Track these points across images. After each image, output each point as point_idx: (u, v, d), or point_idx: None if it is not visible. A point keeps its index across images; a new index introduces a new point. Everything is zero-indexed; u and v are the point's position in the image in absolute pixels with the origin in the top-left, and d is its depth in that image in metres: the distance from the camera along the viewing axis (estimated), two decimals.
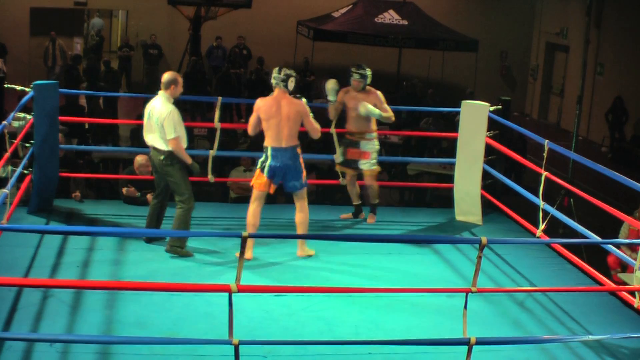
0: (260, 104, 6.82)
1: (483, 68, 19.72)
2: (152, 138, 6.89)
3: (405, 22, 18.59)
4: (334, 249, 7.18)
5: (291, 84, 6.80)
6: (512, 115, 12.78)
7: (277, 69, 6.84)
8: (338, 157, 8.03)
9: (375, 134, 7.92)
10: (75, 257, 6.62)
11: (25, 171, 7.59)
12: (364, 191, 8.20)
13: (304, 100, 6.91)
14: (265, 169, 6.80)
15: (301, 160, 6.94)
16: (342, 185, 8.44)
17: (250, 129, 6.96)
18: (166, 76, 6.92)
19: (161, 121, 6.77)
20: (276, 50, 20.31)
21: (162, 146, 6.80)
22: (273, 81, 6.80)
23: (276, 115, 6.73)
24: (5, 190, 6.58)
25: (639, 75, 17.58)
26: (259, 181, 6.85)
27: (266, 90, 20.12)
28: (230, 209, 8.78)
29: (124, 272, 6.44)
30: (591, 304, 6.40)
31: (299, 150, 6.93)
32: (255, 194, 6.91)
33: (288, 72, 6.82)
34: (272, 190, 6.92)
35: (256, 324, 5.61)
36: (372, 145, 7.90)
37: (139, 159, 8.28)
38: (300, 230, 6.99)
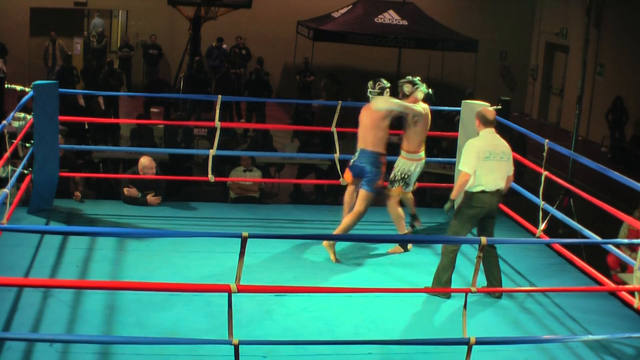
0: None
1: (483, 68, 19.72)
2: (497, 178, 6.34)
3: (405, 22, 18.60)
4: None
5: (386, 94, 7.17)
6: (512, 115, 12.79)
7: (371, 82, 7.24)
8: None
9: (409, 155, 7.40)
10: (75, 257, 6.62)
11: (25, 171, 7.59)
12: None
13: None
14: (351, 163, 7.30)
15: (381, 168, 7.13)
16: (342, 185, 8.43)
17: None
18: (492, 114, 6.52)
19: (511, 156, 6.43)
20: (276, 50, 20.33)
21: (502, 184, 6.39)
22: (369, 95, 7.21)
23: (362, 122, 7.20)
24: (5, 190, 6.58)
25: (639, 75, 17.58)
26: (346, 175, 7.39)
27: (266, 90, 20.07)
28: (230, 209, 8.78)
29: (124, 272, 6.45)
30: (591, 304, 6.40)
31: (381, 159, 7.12)
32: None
33: (382, 84, 7.18)
34: (351, 182, 7.33)
35: (256, 324, 5.61)
36: (398, 163, 7.45)
37: (144, 160, 8.26)
38: (340, 226, 7.07)
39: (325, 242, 7.04)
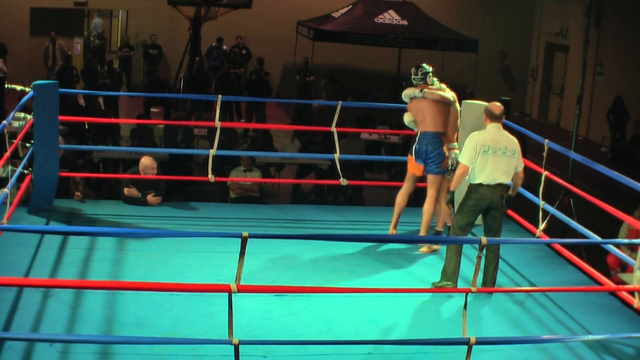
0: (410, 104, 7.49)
1: (483, 68, 19.73)
2: (496, 172, 6.37)
3: (405, 22, 18.61)
4: (334, 249, 7.18)
5: (429, 79, 7.35)
6: (512, 115, 12.79)
7: (413, 69, 7.40)
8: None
9: (451, 144, 7.49)
10: (75, 257, 6.62)
11: (25, 171, 7.59)
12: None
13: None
14: (413, 152, 7.36)
15: (445, 148, 7.30)
16: (342, 185, 8.45)
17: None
18: (499, 109, 6.51)
19: (516, 152, 6.45)
20: (276, 50, 20.33)
21: (504, 179, 6.44)
22: (413, 82, 7.39)
23: (420, 108, 7.34)
24: (6, 190, 6.58)
25: (639, 75, 17.58)
26: (410, 164, 7.48)
27: (265, 90, 20.07)
28: (230, 209, 8.79)
29: (124, 272, 6.44)
30: (591, 304, 6.39)
31: (443, 138, 7.27)
32: (407, 175, 7.53)
33: (424, 69, 7.36)
34: (420, 173, 7.39)
35: (256, 324, 5.61)
36: (450, 153, 7.47)
37: (145, 160, 8.24)
38: (423, 219, 7.27)
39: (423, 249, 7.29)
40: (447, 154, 7.32)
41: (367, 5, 19.00)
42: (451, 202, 6.68)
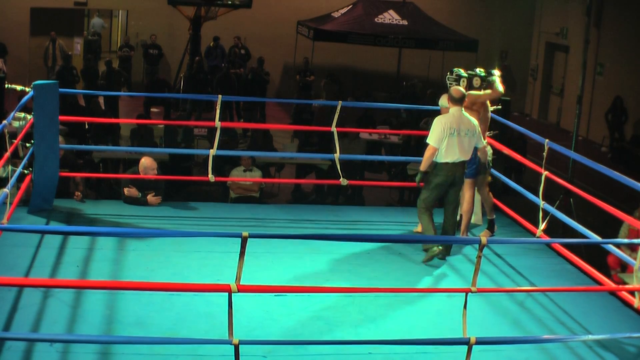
0: None
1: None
2: (460, 151, 6.98)
3: (405, 22, 18.61)
4: (334, 249, 7.18)
5: (463, 83, 7.55)
6: (512, 115, 12.79)
7: (448, 73, 7.74)
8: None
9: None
10: (75, 257, 6.62)
11: (26, 171, 7.59)
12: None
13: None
14: None
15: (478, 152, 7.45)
16: (342, 185, 8.45)
17: None
18: (459, 93, 7.04)
19: (476, 132, 7.08)
20: (276, 50, 20.33)
21: (465, 157, 7.06)
22: (447, 83, 7.66)
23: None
24: (6, 190, 6.58)
25: (639, 75, 17.58)
26: None
27: (260, 90, 20.01)
28: (230, 209, 8.79)
29: (124, 272, 6.45)
30: (591, 304, 6.40)
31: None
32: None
33: (460, 74, 7.61)
34: None
35: (256, 324, 5.62)
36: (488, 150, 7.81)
37: (145, 161, 8.24)
38: (462, 220, 7.49)
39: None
40: (479, 155, 7.48)
41: (367, 5, 19.00)
42: (422, 181, 7.16)
